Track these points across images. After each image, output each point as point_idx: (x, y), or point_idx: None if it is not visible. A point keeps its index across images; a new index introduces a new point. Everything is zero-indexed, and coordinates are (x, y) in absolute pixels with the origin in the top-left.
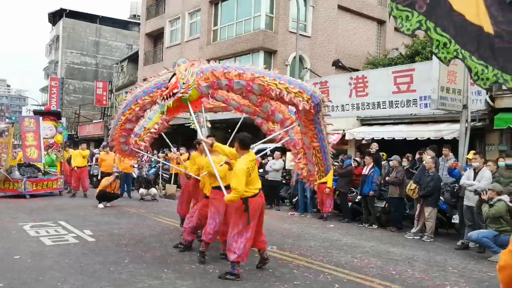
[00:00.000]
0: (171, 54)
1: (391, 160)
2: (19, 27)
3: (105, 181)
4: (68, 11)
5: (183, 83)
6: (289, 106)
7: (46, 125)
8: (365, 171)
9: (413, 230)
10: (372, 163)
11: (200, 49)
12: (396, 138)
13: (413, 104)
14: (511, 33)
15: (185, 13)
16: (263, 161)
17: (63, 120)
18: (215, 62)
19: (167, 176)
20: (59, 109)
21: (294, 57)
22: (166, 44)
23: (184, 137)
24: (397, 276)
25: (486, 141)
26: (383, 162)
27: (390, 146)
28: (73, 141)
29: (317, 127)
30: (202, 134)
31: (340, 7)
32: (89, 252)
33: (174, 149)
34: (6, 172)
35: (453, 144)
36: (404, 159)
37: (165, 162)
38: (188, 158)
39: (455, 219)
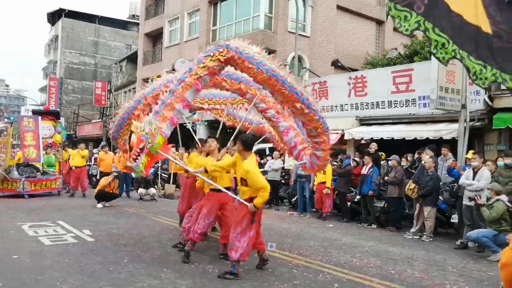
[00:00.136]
0: (170, 54)
1: (390, 160)
2: (18, 26)
3: (104, 181)
4: (67, 11)
5: (146, 133)
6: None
7: (45, 125)
8: (364, 171)
9: (412, 230)
10: (371, 163)
11: (199, 49)
12: (395, 138)
13: (412, 104)
14: (509, 32)
15: (184, 13)
16: (262, 161)
17: (62, 120)
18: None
19: (166, 176)
20: (58, 109)
21: (293, 57)
22: (165, 44)
23: (183, 136)
24: (396, 275)
25: (485, 141)
26: (382, 162)
27: (389, 146)
28: (72, 141)
29: (287, 88)
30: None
31: (339, 7)
32: (88, 252)
33: (173, 149)
34: (4, 172)
35: (452, 144)
36: (403, 159)
37: (178, 161)
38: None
39: (454, 218)
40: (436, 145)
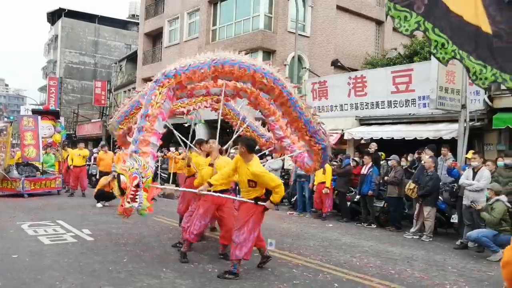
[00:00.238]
0: (170, 54)
1: (390, 159)
2: (17, 26)
3: (103, 180)
4: (67, 10)
5: (137, 169)
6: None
7: (45, 125)
8: (364, 170)
9: (412, 230)
10: (371, 163)
11: (199, 48)
12: (394, 138)
13: (411, 104)
14: (509, 32)
15: (184, 13)
16: (261, 161)
17: (62, 119)
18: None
19: (166, 175)
20: (57, 109)
21: (293, 57)
22: (165, 43)
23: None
24: (396, 275)
25: (485, 141)
26: (381, 162)
27: (389, 146)
28: (72, 141)
29: (291, 105)
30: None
31: (339, 8)
32: (88, 252)
33: (172, 149)
34: (4, 171)
35: (451, 144)
36: (402, 159)
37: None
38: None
39: (454, 218)
40: (436, 145)
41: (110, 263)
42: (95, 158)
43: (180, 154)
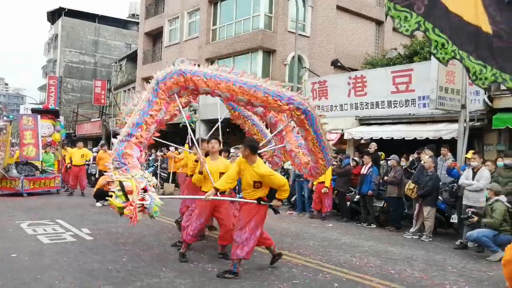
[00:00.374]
0: (170, 53)
1: (390, 159)
2: (17, 25)
3: (103, 180)
4: (67, 10)
5: (141, 175)
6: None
7: (44, 124)
8: (364, 170)
9: (412, 230)
10: (370, 163)
11: (199, 48)
12: (394, 138)
13: (411, 104)
14: (509, 32)
15: (184, 12)
16: None
17: (61, 118)
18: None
19: (165, 175)
20: (57, 108)
21: (293, 57)
22: (165, 43)
23: (182, 135)
24: (396, 275)
25: (485, 141)
26: (381, 162)
27: (389, 146)
28: (71, 140)
29: (310, 125)
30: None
31: (339, 8)
32: (87, 251)
33: (172, 148)
34: (3, 170)
35: (451, 144)
36: (402, 159)
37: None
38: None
39: (454, 218)
40: (436, 145)
41: (109, 263)
42: (94, 158)
43: (180, 154)
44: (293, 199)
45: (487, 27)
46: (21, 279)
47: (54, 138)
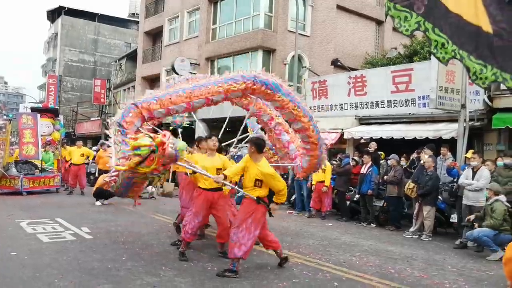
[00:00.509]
0: (170, 53)
1: (389, 159)
2: (17, 24)
3: (102, 179)
4: (67, 8)
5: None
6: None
7: (44, 122)
8: (364, 170)
9: (412, 229)
10: (370, 162)
11: (199, 47)
12: (394, 138)
13: (411, 103)
14: (510, 31)
15: (184, 11)
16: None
17: (61, 117)
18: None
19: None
20: (56, 107)
21: (293, 56)
22: (165, 42)
23: (182, 135)
24: (396, 274)
25: (484, 141)
26: (381, 161)
27: (389, 146)
28: (71, 139)
29: (276, 90)
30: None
31: (339, 7)
32: (87, 250)
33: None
34: (3, 169)
35: (451, 144)
36: (402, 158)
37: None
38: None
39: (454, 218)
40: (436, 144)
41: (109, 261)
42: (94, 156)
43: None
44: (292, 198)
45: (487, 27)
46: (20, 277)
47: (54, 137)
